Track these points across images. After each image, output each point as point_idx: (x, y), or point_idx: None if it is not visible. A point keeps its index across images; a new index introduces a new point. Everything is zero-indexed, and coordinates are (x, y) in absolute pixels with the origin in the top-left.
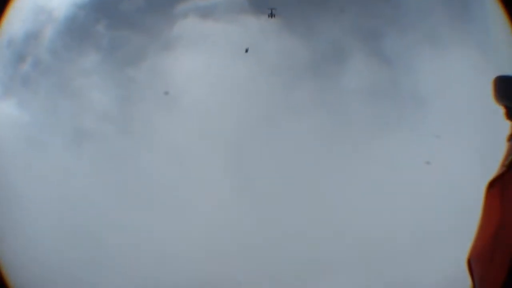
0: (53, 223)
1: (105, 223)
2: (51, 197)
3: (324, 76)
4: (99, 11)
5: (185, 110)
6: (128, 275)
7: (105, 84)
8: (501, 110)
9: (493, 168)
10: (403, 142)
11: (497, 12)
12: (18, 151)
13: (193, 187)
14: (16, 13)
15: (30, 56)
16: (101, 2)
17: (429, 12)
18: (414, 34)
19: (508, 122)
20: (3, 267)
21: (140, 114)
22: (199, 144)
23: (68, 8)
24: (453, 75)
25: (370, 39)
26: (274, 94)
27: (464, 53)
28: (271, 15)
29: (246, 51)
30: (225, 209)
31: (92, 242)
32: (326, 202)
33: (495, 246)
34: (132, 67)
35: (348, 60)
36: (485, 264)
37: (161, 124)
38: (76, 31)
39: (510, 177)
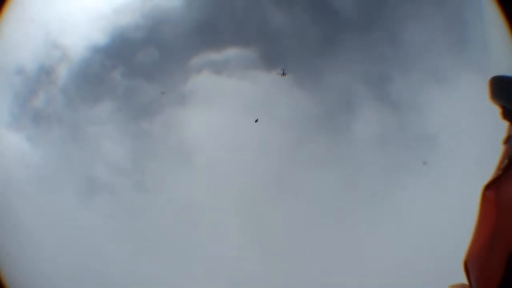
0: (56, 271)
1: (111, 277)
2: (55, 245)
3: (334, 128)
4: (116, 58)
5: (198, 166)
6: None
7: (119, 135)
8: (497, 112)
9: (489, 172)
10: (415, 185)
11: (495, 13)
12: (25, 189)
13: (205, 245)
14: (27, 39)
15: (42, 91)
16: (117, 48)
17: (430, 46)
18: (417, 71)
19: (504, 122)
20: None
21: (152, 169)
22: (212, 202)
23: (84, 48)
24: (461, 106)
25: (376, 84)
26: (286, 149)
27: (468, 78)
28: (283, 74)
29: (256, 121)
30: (237, 269)
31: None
32: (339, 258)
33: (491, 248)
34: (146, 119)
35: (357, 108)
36: (481, 266)
37: (174, 180)
38: (91, 74)
39: (505, 180)
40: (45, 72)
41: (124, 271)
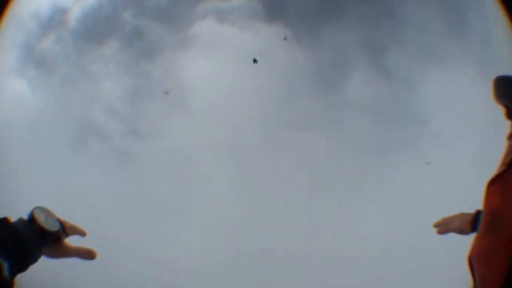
0: None
1: (99, 224)
2: (47, 188)
3: (328, 88)
4: None
5: (192, 111)
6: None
7: (120, 75)
8: (501, 110)
9: (493, 168)
10: (403, 160)
11: (498, 20)
12: (22, 133)
13: (196, 192)
14: None
15: (53, 33)
16: None
17: (430, 26)
18: (415, 48)
19: (508, 122)
20: None
21: (148, 112)
22: (204, 146)
23: None
24: (454, 89)
25: (373, 52)
26: (279, 102)
27: (463, 67)
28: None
29: (255, 61)
30: (225, 214)
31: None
32: (326, 216)
33: (495, 244)
34: (148, 60)
35: (352, 73)
36: (485, 262)
37: (167, 124)
38: (103, 15)
39: (510, 175)
40: (59, 13)
41: (113, 219)
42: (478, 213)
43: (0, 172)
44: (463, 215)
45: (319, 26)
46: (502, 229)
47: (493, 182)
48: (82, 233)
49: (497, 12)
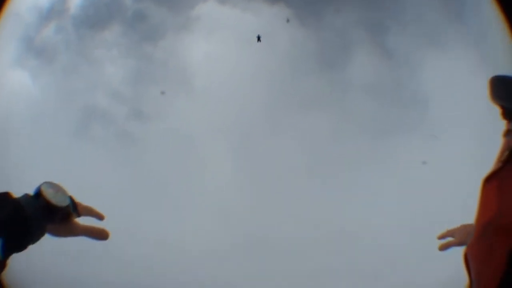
0: None
1: (104, 208)
2: (51, 176)
3: (330, 68)
4: None
5: (195, 93)
6: (126, 266)
7: (122, 59)
8: (497, 109)
9: (488, 165)
10: (403, 142)
11: (494, 13)
12: (25, 124)
13: (200, 174)
14: None
15: (54, 22)
16: None
17: (430, 11)
18: (416, 31)
19: (504, 121)
20: None
21: (151, 96)
22: (207, 127)
23: None
24: (452, 74)
25: (375, 33)
26: (282, 82)
27: (462, 54)
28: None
29: (259, 39)
30: (228, 196)
31: (87, 220)
32: (326, 199)
33: (492, 241)
34: (150, 43)
35: (353, 54)
36: (482, 259)
37: (171, 106)
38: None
39: (506, 172)
40: (54, 2)
41: (118, 203)
42: None
43: (3, 164)
44: (464, 227)
45: (321, 6)
46: (499, 226)
47: (489, 179)
48: (100, 217)
49: (496, 19)
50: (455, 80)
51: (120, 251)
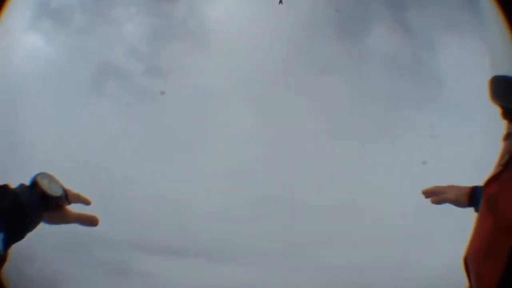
0: (64, 160)
1: (119, 163)
2: (64, 135)
3: (349, 36)
4: None
5: (213, 50)
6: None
7: (141, 17)
8: (497, 109)
9: (489, 168)
10: (414, 116)
11: (494, 12)
12: (40, 87)
13: (216, 131)
14: None
15: None
16: None
17: None
18: (435, 12)
19: (504, 122)
20: None
21: (169, 52)
22: (224, 85)
23: None
24: (469, 61)
25: (394, 8)
26: (301, 44)
27: (477, 45)
28: (280, 2)
29: (280, 1)
30: (242, 155)
31: (103, 176)
32: (341, 162)
33: (491, 245)
34: (169, 0)
35: (373, 25)
36: (481, 263)
37: (189, 62)
38: None
39: (506, 176)
40: None
41: (134, 161)
42: (474, 188)
43: (21, 124)
44: (457, 186)
45: None
46: (498, 231)
47: (489, 183)
48: (87, 202)
49: (496, 18)
50: (471, 67)
51: (131, 208)
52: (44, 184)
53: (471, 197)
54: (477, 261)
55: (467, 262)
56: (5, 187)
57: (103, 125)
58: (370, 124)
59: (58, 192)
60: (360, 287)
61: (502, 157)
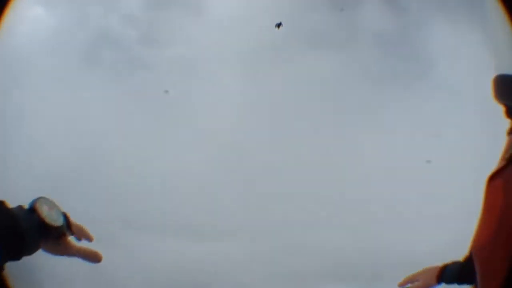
0: (49, 129)
1: (111, 134)
2: (58, 105)
3: (340, 8)
4: None
5: (206, 19)
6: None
7: None
8: (501, 107)
9: (493, 163)
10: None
11: (497, 11)
12: (37, 55)
13: (206, 102)
14: None
15: None
16: None
17: None
18: None
19: (508, 120)
20: None
21: (161, 20)
22: (215, 56)
23: None
24: (461, 48)
25: None
26: (293, 16)
27: (471, 34)
28: (279, 25)
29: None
30: (230, 130)
31: (93, 150)
32: (321, 142)
33: (496, 240)
34: None
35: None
36: (486, 258)
37: (182, 31)
38: None
39: (511, 170)
40: None
41: (119, 133)
42: (445, 267)
43: (15, 94)
44: (429, 269)
45: None
46: (503, 226)
47: (493, 178)
48: (89, 238)
49: (499, 17)
50: (463, 55)
51: (114, 182)
52: (44, 211)
53: (440, 277)
54: (482, 256)
55: (473, 257)
56: (1, 204)
57: (91, 95)
58: (358, 101)
59: (59, 222)
60: (346, 267)
61: (506, 151)
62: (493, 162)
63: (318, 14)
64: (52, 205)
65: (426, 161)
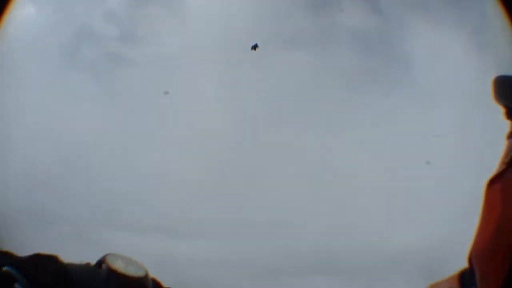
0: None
1: (85, 133)
2: (39, 104)
3: (320, 9)
4: None
5: (185, 17)
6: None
7: None
8: (501, 109)
9: (492, 167)
10: (385, 95)
11: (497, 11)
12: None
13: (184, 99)
14: None
15: None
16: None
17: None
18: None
19: (508, 121)
20: None
21: (142, 18)
22: (194, 54)
23: None
24: (443, 51)
25: None
26: (271, 15)
27: (459, 32)
28: (255, 47)
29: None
30: (209, 128)
31: (72, 139)
32: (296, 140)
33: (496, 243)
34: None
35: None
36: (486, 261)
37: (161, 28)
38: None
39: (511, 174)
40: None
41: (97, 130)
42: (462, 273)
43: None
44: (447, 279)
45: None
46: (502, 229)
47: (493, 182)
48: None
49: (499, 18)
50: (444, 58)
51: (94, 180)
52: (120, 266)
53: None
54: (482, 259)
55: (472, 260)
56: (54, 259)
57: (72, 93)
58: (333, 100)
59: (142, 273)
60: (332, 263)
61: (506, 155)
62: (489, 165)
63: (296, 14)
64: (126, 259)
65: (425, 162)
